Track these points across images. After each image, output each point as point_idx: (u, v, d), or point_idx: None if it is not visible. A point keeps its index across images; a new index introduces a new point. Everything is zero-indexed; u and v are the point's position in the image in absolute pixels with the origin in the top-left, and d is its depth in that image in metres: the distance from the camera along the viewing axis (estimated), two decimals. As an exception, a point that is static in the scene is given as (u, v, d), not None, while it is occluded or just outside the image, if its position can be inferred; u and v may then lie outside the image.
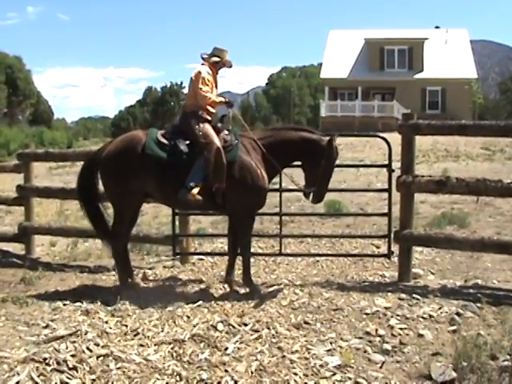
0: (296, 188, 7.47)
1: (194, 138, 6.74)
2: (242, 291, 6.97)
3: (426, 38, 51.63)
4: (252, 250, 9.45)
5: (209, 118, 6.92)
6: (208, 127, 6.78)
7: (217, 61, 7.04)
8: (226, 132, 6.96)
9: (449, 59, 51.66)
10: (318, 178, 6.88)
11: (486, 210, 13.34)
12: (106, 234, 7.23)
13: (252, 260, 8.69)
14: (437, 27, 58.10)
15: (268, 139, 6.99)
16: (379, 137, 8.55)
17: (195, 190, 6.61)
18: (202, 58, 7.12)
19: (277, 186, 8.17)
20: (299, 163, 7.17)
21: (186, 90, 7.74)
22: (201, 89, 6.81)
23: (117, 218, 7.08)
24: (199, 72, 6.91)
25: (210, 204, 6.83)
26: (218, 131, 6.85)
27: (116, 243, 7.14)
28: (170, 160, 6.66)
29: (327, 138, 6.90)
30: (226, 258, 8.79)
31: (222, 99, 7.01)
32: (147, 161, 6.68)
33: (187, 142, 6.74)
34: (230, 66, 7.20)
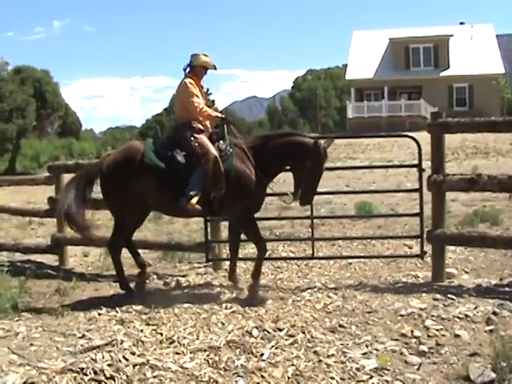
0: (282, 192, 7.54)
1: (190, 148, 6.91)
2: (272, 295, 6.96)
3: (451, 35, 51.27)
4: (284, 254, 9.53)
5: (202, 128, 7.08)
6: (203, 137, 6.94)
7: (191, 69, 7.24)
8: (221, 141, 7.07)
9: (475, 55, 51.20)
10: (304, 179, 6.87)
11: (519, 206, 13.19)
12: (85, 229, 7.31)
13: (285, 264, 8.74)
14: (461, 23, 57.59)
15: (259, 147, 7.09)
16: (408, 136, 8.50)
17: (194, 200, 6.78)
18: (184, 70, 7.29)
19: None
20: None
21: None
22: (192, 101, 6.99)
23: (116, 228, 7.33)
24: (185, 84, 7.11)
25: (207, 210, 7.05)
26: (212, 141, 7.00)
27: (115, 251, 7.37)
28: (167, 170, 6.85)
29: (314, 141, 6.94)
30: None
31: (219, 115, 7.21)
32: (145, 170, 6.86)
33: (184, 153, 6.91)
34: (213, 68, 7.35)
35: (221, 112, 7.55)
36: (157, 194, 6.96)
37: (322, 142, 6.99)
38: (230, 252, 7.64)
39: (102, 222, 12.28)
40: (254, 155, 7.02)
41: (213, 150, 6.81)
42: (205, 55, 7.24)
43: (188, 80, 7.14)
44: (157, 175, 6.85)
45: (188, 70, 7.28)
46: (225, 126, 7.18)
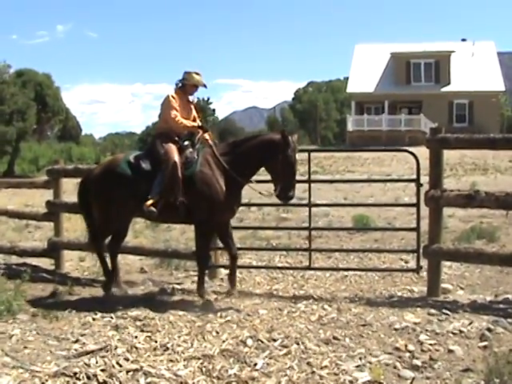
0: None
1: (157, 156, 7.31)
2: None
3: (453, 51, 51.46)
4: (280, 264, 9.54)
5: (176, 138, 7.39)
6: (170, 146, 7.28)
7: (182, 85, 7.61)
8: (191, 149, 7.38)
9: (476, 72, 51.37)
10: (280, 173, 7.06)
11: (516, 224, 13.20)
12: (101, 245, 8.01)
13: (280, 275, 8.75)
14: (463, 40, 57.80)
15: (231, 152, 7.34)
16: (407, 151, 8.53)
17: (149, 202, 7.14)
18: (176, 85, 7.67)
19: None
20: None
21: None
22: (169, 114, 7.36)
23: (101, 231, 7.87)
24: (166, 99, 7.48)
25: (174, 215, 7.36)
26: (182, 150, 7.32)
27: (100, 251, 7.95)
28: (136, 177, 7.32)
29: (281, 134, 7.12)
30: (254, 273, 8.87)
31: (195, 124, 7.53)
32: (121, 179, 7.37)
33: (151, 161, 7.34)
34: (203, 86, 7.68)
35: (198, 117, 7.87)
36: (132, 200, 7.36)
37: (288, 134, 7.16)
38: (197, 263, 7.65)
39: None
40: (227, 161, 7.23)
41: (174, 157, 7.13)
42: (197, 74, 7.56)
43: (171, 94, 7.52)
44: (130, 183, 7.32)
45: (180, 85, 7.62)
46: (197, 136, 7.50)
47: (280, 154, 6.98)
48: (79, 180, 8.30)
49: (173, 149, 7.24)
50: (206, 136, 7.57)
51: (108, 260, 7.98)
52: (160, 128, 7.71)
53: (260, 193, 7.60)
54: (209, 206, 7.17)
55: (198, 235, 7.54)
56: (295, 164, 7.05)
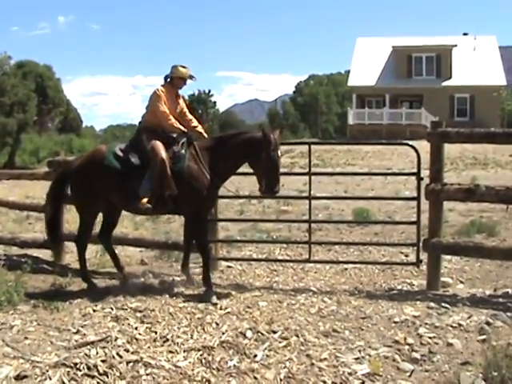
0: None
1: (144, 151, 7.36)
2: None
3: (454, 45, 51.35)
4: (280, 257, 9.57)
5: (159, 133, 7.46)
6: (156, 142, 7.33)
7: (170, 79, 7.69)
8: (177, 145, 7.45)
9: (477, 66, 51.28)
10: (263, 171, 7.10)
11: (516, 218, 13.21)
12: (56, 238, 8.45)
13: (280, 268, 8.78)
14: (465, 34, 57.69)
15: (215, 148, 7.43)
16: (407, 145, 8.52)
17: (145, 200, 7.26)
18: (164, 79, 7.75)
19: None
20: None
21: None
22: (159, 109, 7.46)
23: (82, 225, 7.88)
24: (154, 93, 7.57)
25: (163, 209, 7.52)
26: (168, 145, 7.38)
27: (81, 246, 7.89)
28: (124, 171, 7.35)
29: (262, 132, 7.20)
30: (255, 266, 8.90)
31: (182, 128, 7.56)
32: (106, 171, 7.40)
33: (139, 155, 7.39)
34: (190, 78, 7.74)
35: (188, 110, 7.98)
36: (117, 193, 7.50)
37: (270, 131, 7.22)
38: (200, 253, 7.73)
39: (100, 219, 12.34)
40: (210, 156, 7.37)
41: (162, 153, 7.21)
42: (183, 67, 7.64)
43: (160, 88, 7.60)
44: (116, 176, 7.36)
45: (168, 79, 7.72)
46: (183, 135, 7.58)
47: (262, 152, 7.02)
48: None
49: (159, 145, 7.30)
50: (200, 129, 7.86)
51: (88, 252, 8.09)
52: (147, 121, 7.71)
53: (229, 190, 7.91)
54: (198, 199, 7.31)
55: (191, 228, 7.69)
56: (278, 161, 7.09)
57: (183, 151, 7.39)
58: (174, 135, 7.53)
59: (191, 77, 7.74)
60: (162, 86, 7.66)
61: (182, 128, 7.58)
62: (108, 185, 7.43)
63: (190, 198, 7.30)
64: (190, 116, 7.94)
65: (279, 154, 7.11)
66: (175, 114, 7.66)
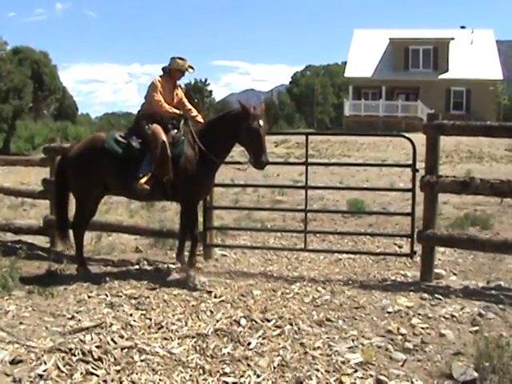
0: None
1: (144, 136, 7.50)
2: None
3: (452, 38, 51.29)
4: (275, 246, 9.60)
5: (158, 119, 7.61)
6: (156, 126, 7.48)
7: (168, 70, 7.80)
8: (176, 130, 7.62)
9: (474, 60, 51.25)
10: (247, 143, 7.20)
11: (510, 211, 13.29)
12: (64, 225, 8.20)
13: (275, 257, 8.81)
14: (462, 27, 57.61)
15: (206, 132, 7.58)
16: (403, 136, 8.55)
17: (143, 180, 7.33)
18: (162, 70, 7.88)
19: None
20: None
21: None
22: (153, 97, 7.61)
23: (79, 210, 7.97)
24: (152, 83, 7.73)
25: (161, 194, 7.63)
26: (166, 130, 7.53)
27: (78, 232, 8.01)
28: (124, 155, 7.49)
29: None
30: (249, 255, 8.93)
31: (177, 111, 7.72)
32: (106, 156, 7.50)
33: (140, 140, 7.53)
34: (187, 70, 7.84)
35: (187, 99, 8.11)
36: (115, 178, 7.61)
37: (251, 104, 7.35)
38: (179, 233, 7.99)
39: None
40: (203, 139, 7.48)
41: (162, 136, 7.36)
42: (181, 59, 7.75)
43: (157, 79, 7.75)
44: (115, 160, 7.48)
45: (166, 70, 7.83)
46: (181, 119, 7.73)
47: (243, 125, 7.12)
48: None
49: (159, 129, 7.44)
50: (199, 119, 7.97)
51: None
52: (145, 110, 7.84)
53: (238, 169, 7.86)
54: (195, 184, 7.46)
55: (185, 212, 7.78)
56: (260, 130, 7.10)
57: (182, 137, 7.53)
58: (172, 121, 7.64)
59: (190, 68, 7.82)
60: (160, 76, 7.78)
61: (177, 111, 7.71)
62: (107, 169, 7.51)
63: (186, 182, 7.41)
64: (189, 105, 8.04)
65: (261, 124, 7.13)
66: (172, 103, 7.75)
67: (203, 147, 7.39)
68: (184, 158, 7.42)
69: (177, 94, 7.92)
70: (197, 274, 7.45)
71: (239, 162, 7.86)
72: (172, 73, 7.80)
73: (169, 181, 7.38)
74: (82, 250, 8.05)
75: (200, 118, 7.95)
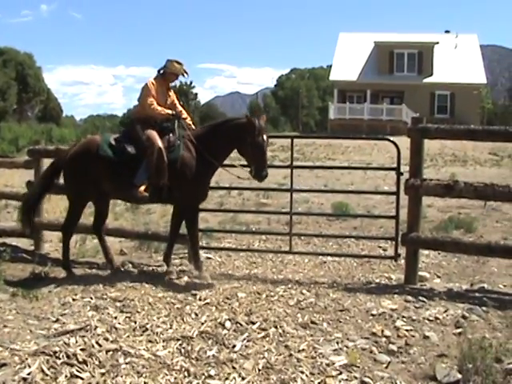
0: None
1: (139, 141, 7.48)
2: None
3: (436, 43, 51.65)
4: (260, 249, 9.61)
5: (153, 124, 7.58)
6: (152, 132, 7.48)
7: (163, 72, 7.81)
8: (171, 134, 7.62)
9: (458, 64, 51.64)
10: (250, 156, 7.29)
11: (494, 215, 13.36)
12: (29, 225, 8.23)
13: (259, 260, 8.82)
14: (447, 32, 58.06)
15: (206, 137, 7.58)
16: (388, 140, 8.59)
17: (142, 188, 7.41)
18: (158, 71, 7.85)
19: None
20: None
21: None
22: (146, 100, 7.59)
23: (70, 212, 8.04)
24: (145, 85, 7.70)
25: (157, 197, 7.62)
26: (162, 134, 7.54)
27: (67, 234, 8.05)
28: (119, 160, 7.47)
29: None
30: (234, 257, 8.94)
31: (169, 112, 7.71)
32: (101, 161, 7.51)
33: (134, 145, 7.50)
34: (183, 74, 7.89)
35: (178, 103, 8.12)
36: (111, 182, 7.61)
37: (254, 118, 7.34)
38: (190, 240, 7.89)
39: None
40: (202, 144, 7.48)
41: (158, 143, 7.35)
42: (178, 63, 7.77)
43: (151, 81, 7.72)
44: (110, 165, 7.48)
45: (161, 72, 7.82)
46: (175, 121, 7.73)
47: (248, 138, 7.17)
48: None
49: (154, 134, 7.44)
50: (189, 121, 7.92)
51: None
52: (137, 113, 7.89)
53: (238, 177, 7.84)
54: (191, 188, 7.47)
55: (184, 215, 7.79)
56: (264, 145, 7.22)
57: (178, 141, 7.54)
58: (167, 125, 7.67)
59: (185, 72, 7.86)
60: (154, 78, 7.76)
61: (170, 111, 7.70)
62: (101, 174, 7.53)
63: (183, 186, 7.45)
64: (179, 108, 8.05)
65: (265, 139, 7.22)
66: (165, 105, 7.76)
67: (203, 150, 7.41)
68: (180, 163, 7.42)
69: (169, 96, 7.94)
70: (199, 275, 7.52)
71: (238, 176, 7.84)
72: (167, 75, 7.81)
73: (165, 185, 7.40)
74: (69, 254, 8.04)
75: (189, 121, 7.96)
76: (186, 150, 7.50)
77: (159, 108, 7.60)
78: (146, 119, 7.60)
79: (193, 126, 7.93)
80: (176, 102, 8.05)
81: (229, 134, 7.38)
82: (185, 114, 8.01)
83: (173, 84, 8.07)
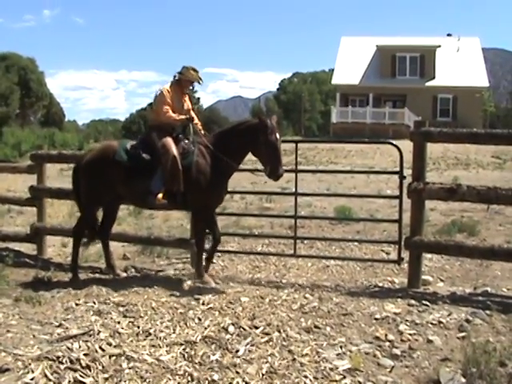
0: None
1: (155, 148, 7.56)
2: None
3: (438, 46, 51.58)
4: (264, 252, 9.60)
5: (169, 131, 7.69)
6: (167, 139, 7.56)
7: (178, 79, 7.87)
8: (186, 141, 7.72)
9: (460, 67, 51.58)
10: (265, 155, 7.33)
11: (496, 218, 13.35)
12: (94, 232, 8.20)
13: (262, 264, 8.82)
14: (449, 35, 57.99)
15: (218, 141, 7.64)
16: (391, 143, 8.58)
17: (160, 196, 7.50)
18: (174, 77, 7.92)
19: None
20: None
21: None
22: (161, 108, 7.67)
23: (83, 217, 8.11)
24: (160, 92, 7.78)
25: (172, 203, 7.68)
26: (177, 141, 7.64)
27: (78, 239, 8.10)
28: (135, 166, 7.57)
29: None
30: (237, 262, 8.93)
31: (183, 117, 7.77)
32: (117, 166, 7.60)
33: (149, 152, 7.58)
34: (198, 82, 7.99)
35: (192, 110, 8.15)
36: (127, 187, 7.69)
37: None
38: (196, 245, 7.90)
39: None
40: (219, 149, 7.52)
41: (173, 150, 7.43)
42: (194, 70, 7.82)
43: (166, 88, 7.78)
44: (126, 170, 7.57)
45: (176, 79, 7.86)
46: (190, 126, 7.83)
47: (261, 138, 7.24)
48: (63, 166, 8.35)
49: (169, 141, 7.51)
50: (199, 127, 7.96)
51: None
52: (153, 120, 7.97)
53: (255, 172, 8.12)
54: (205, 193, 7.50)
55: (196, 220, 7.89)
56: (277, 143, 7.28)
57: (192, 147, 7.62)
58: (183, 131, 7.78)
59: (200, 80, 7.94)
60: (169, 85, 7.82)
61: (183, 117, 7.76)
62: (117, 179, 7.61)
63: (197, 192, 7.50)
64: (192, 114, 8.08)
65: (277, 137, 7.29)
66: (182, 112, 7.82)
67: (220, 154, 7.46)
68: (195, 169, 7.49)
69: (185, 101, 7.99)
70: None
71: (257, 170, 7.98)
72: (182, 82, 7.88)
73: (179, 191, 7.47)
74: (77, 258, 8.06)
75: (200, 126, 8.00)
76: (200, 155, 7.56)
77: (173, 115, 7.65)
78: (162, 126, 7.67)
79: (202, 132, 7.97)
80: (190, 108, 8.09)
81: (243, 136, 7.45)
82: (196, 120, 8.05)
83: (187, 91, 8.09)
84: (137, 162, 7.55)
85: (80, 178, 8.01)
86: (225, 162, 7.45)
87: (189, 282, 7.61)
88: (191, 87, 8.05)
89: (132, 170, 7.54)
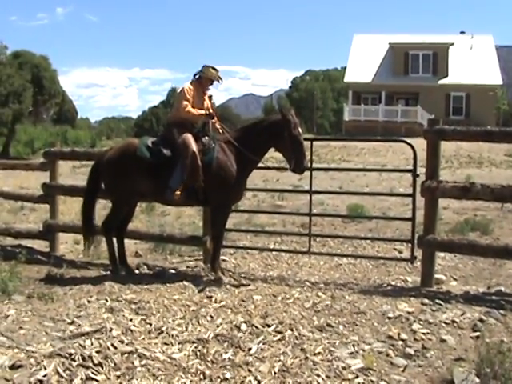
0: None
1: (175, 144, 7.65)
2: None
3: (451, 44, 51.38)
4: (278, 248, 9.60)
5: (189, 127, 7.78)
6: (187, 135, 7.64)
7: (199, 77, 7.96)
8: (206, 137, 7.80)
9: (474, 65, 51.34)
10: (289, 150, 7.46)
11: (510, 217, 13.28)
12: (91, 230, 8.32)
13: (275, 262, 8.80)
14: (462, 32, 57.71)
15: (241, 137, 7.77)
16: (404, 141, 8.54)
17: (178, 192, 7.57)
18: (194, 76, 8.01)
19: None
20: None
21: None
22: (181, 104, 7.74)
23: (113, 213, 8.16)
24: (182, 89, 7.89)
25: (193, 200, 7.79)
26: (197, 137, 7.70)
27: (110, 233, 8.15)
28: (156, 162, 7.66)
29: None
30: (249, 260, 8.93)
31: (202, 113, 7.86)
32: (139, 163, 7.68)
33: (170, 148, 7.67)
34: (218, 80, 8.04)
35: (211, 109, 8.15)
36: (148, 183, 7.74)
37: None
38: (212, 241, 7.95)
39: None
40: (242, 144, 7.64)
41: (193, 146, 7.50)
42: (214, 69, 7.92)
43: (187, 86, 7.86)
44: (147, 166, 7.65)
45: (197, 77, 7.97)
46: (209, 123, 7.92)
47: (285, 132, 7.37)
48: (76, 163, 8.38)
49: (189, 138, 7.58)
50: (217, 125, 8.05)
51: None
52: (173, 117, 8.03)
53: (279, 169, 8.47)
54: (226, 189, 7.61)
55: (215, 216, 7.89)
56: (300, 137, 7.43)
57: (212, 143, 7.71)
58: (204, 128, 7.87)
59: (220, 78, 8.01)
60: (190, 83, 7.91)
61: (203, 112, 7.83)
62: (139, 175, 7.69)
63: (218, 188, 7.59)
64: (212, 112, 8.10)
65: (300, 132, 7.44)
66: (202, 109, 7.88)
67: (243, 150, 7.57)
68: (215, 165, 7.57)
69: (205, 100, 8.05)
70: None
71: (282, 168, 8.20)
72: (203, 81, 7.96)
73: (200, 187, 7.55)
74: (114, 251, 8.15)
75: (218, 125, 8.06)
76: (220, 151, 7.65)
77: (193, 110, 7.71)
78: (182, 123, 7.74)
79: (220, 130, 8.05)
80: (209, 107, 8.13)
81: (267, 132, 7.55)
82: (215, 119, 8.09)
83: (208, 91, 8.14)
84: (158, 158, 7.63)
85: (102, 176, 8.10)
86: (247, 157, 7.56)
87: (201, 280, 7.60)
88: (211, 85, 8.10)
89: (154, 166, 7.63)
